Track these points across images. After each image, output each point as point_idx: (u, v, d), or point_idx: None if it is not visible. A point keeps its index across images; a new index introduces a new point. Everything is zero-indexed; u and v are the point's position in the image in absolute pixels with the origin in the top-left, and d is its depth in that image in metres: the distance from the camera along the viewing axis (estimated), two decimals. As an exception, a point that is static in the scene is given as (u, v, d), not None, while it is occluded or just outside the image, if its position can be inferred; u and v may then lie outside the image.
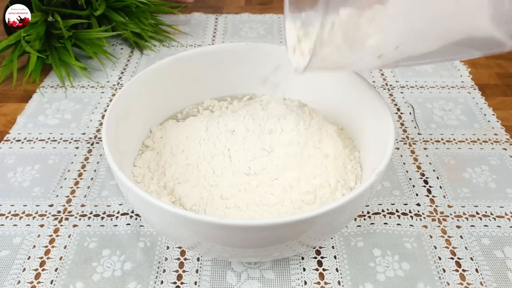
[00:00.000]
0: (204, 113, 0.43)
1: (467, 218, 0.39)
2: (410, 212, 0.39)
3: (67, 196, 0.40)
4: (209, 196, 0.33)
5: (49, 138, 0.46)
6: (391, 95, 0.53)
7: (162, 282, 0.34)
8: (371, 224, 0.38)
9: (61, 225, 0.38)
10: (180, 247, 0.36)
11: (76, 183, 0.41)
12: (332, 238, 0.37)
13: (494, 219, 0.39)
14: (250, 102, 0.44)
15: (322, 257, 0.36)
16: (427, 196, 0.41)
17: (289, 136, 0.34)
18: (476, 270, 0.35)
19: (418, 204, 0.40)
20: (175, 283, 0.34)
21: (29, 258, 0.35)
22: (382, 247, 0.36)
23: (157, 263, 0.35)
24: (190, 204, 0.33)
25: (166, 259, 0.35)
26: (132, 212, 0.39)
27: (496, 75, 0.55)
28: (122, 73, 0.56)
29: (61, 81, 0.53)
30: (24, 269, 0.35)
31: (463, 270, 0.35)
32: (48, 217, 0.38)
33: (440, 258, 0.35)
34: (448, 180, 0.42)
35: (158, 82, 0.40)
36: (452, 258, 0.35)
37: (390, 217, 0.39)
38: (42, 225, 0.38)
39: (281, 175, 0.33)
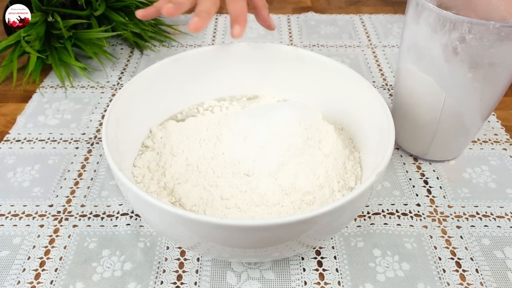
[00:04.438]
0: (204, 113, 0.43)
1: (467, 218, 0.39)
2: (410, 212, 0.39)
3: (67, 196, 0.40)
4: (209, 197, 0.33)
5: (49, 138, 0.46)
6: (391, 95, 0.53)
7: (162, 282, 0.34)
8: (371, 224, 0.38)
9: (61, 226, 0.38)
10: (180, 248, 0.36)
11: (76, 183, 0.41)
12: (332, 239, 0.37)
13: (494, 219, 0.39)
14: (250, 103, 0.44)
15: (322, 258, 0.36)
16: (427, 196, 0.40)
17: (289, 136, 0.34)
18: (476, 270, 0.35)
19: (418, 205, 0.40)
20: (175, 283, 0.34)
21: (29, 258, 0.35)
22: (382, 248, 0.36)
23: (157, 263, 0.35)
24: (190, 204, 0.33)
25: (166, 259, 0.35)
26: (132, 212, 0.39)
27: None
28: (122, 73, 0.56)
29: (61, 81, 0.53)
30: (24, 269, 0.34)
31: (463, 271, 0.35)
32: (48, 217, 0.38)
33: (440, 259, 0.35)
34: (448, 180, 0.42)
35: (158, 82, 0.40)
36: (452, 259, 0.35)
37: (390, 218, 0.39)
38: (42, 226, 0.38)
39: (281, 175, 0.33)
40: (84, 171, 0.43)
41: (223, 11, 0.71)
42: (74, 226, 0.38)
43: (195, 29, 0.39)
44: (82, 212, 0.39)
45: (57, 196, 0.40)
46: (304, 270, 0.35)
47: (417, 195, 0.41)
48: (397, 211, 0.39)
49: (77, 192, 0.41)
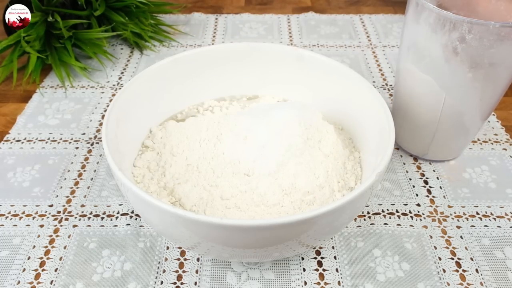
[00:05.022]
0: (204, 113, 0.43)
1: (467, 218, 0.39)
2: (410, 212, 0.39)
3: (67, 196, 0.40)
4: (209, 197, 0.33)
5: (49, 138, 0.46)
6: (391, 95, 0.53)
7: (162, 282, 0.34)
8: (371, 224, 0.38)
9: (61, 225, 0.38)
10: (180, 248, 0.36)
11: (76, 183, 0.41)
12: (332, 239, 0.37)
13: (494, 219, 0.39)
14: (250, 103, 0.44)
15: (322, 258, 0.36)
16: (427, 196, 0.40)
17: (289, 136, 0.34)
18: (476, 270, 0.35)
19: (418, 205, 0.40)
20: (175, 283, 0.34)
21: (29, 258, 0.35)
22: (382, 248, 0.36)
23: (157, 263, 0.35)
24: (190, 204, 0.33)
25: (166, 259, 0.35)
26: (132, 212, 0.39)
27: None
28: (122, 73, 0.56)
29: (61, 81, 0.53)
30: (24, 270, 0.34)
31: (463, 271, 0.35)
32: (48, 217, 0.38)
33: (440, 259, 0.35)
34: (448, 180, 0.42)
35: (158, 82, 0.40)
36: (452, 259, 0.35)
37: (390, 218, 0.39)
38: (42, 226, 0.38)
39: (281, 175, 0.33)
40: (84, 171, 0.43)
41: (223, 11, 0.71)
42: (74, 226, 0.38)
43: None
44: (82, 212, 0.39)
45: (57, 196, 0.40)
46: (304, 270, 0.35)
47: (417, 195, 0.41)
48: (397, 211, 0.39)
49: (77, 192, 0.41)
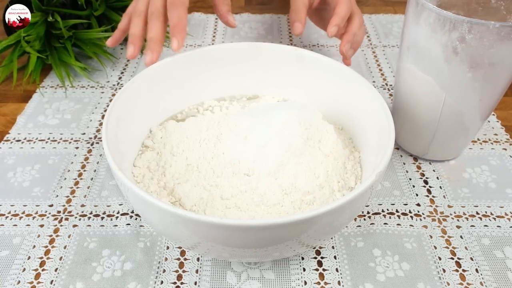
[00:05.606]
0: (204, 113, 0.43)
1: (467, 218, 0.39)
2: (410, 212, 0.39)
3: (67, 196, 0.40)
4: (209, 197, 0.33)
5: (49, 138, 0.46)
6: (391, 95, 0.53)
7: (162, 282, 0.34)
8: (371, 224, 0.38)
9: (61, 225, 0.38)
10: (180, 247, 0.36)
11: (76, 183, 0.41)
12: (332, 238, 0.37)
13: (494, 219, 0.39)
14: (250, 103, 0.44)
15: (322, 257, 0.36)
16: (427, 196, 0.40)
17: (289, 136, 0.34)
18: (476, 270, 0.35)
19: (418, 204, 0.40)
20: (175, 283, 0.34)
21: (29, 258, 0.35)
22: (382, 247, 0.36)
23: (157, 263, 0.35)
24: (190, 204, 0.33)
25: (166, 259, 0.35)
26: (132, 212, 0.39)
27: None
28: (122, 73, 0.56)
29: (61, 81, 0.53)
30: (24, 269, 0.34)
31: (463, 270, 0.35)
32: (48, 217, 0.38)
33: (440, 258, 0.35)
34: (448, 180, 0.42)
35: (158, 82, 0.40)
36: (452, 258, 0.35)
37: (390, 217, 0.39)
38: (42, 225, 0.38)
39: (281, 175, 0.33)
40: (84, 171, 0.43)
41: (223, 11, 0.70)
42: (74, 226, 0.38)
43: (150, 62, 0.39)
44: (82, 212, 0.39)
45: (57, 196, 0.40)
46: (304, 270, 0.35)
47: (417, 195, 0.41)
48: (397, 211, 0.39)
49: (77, 192, 0.41)
